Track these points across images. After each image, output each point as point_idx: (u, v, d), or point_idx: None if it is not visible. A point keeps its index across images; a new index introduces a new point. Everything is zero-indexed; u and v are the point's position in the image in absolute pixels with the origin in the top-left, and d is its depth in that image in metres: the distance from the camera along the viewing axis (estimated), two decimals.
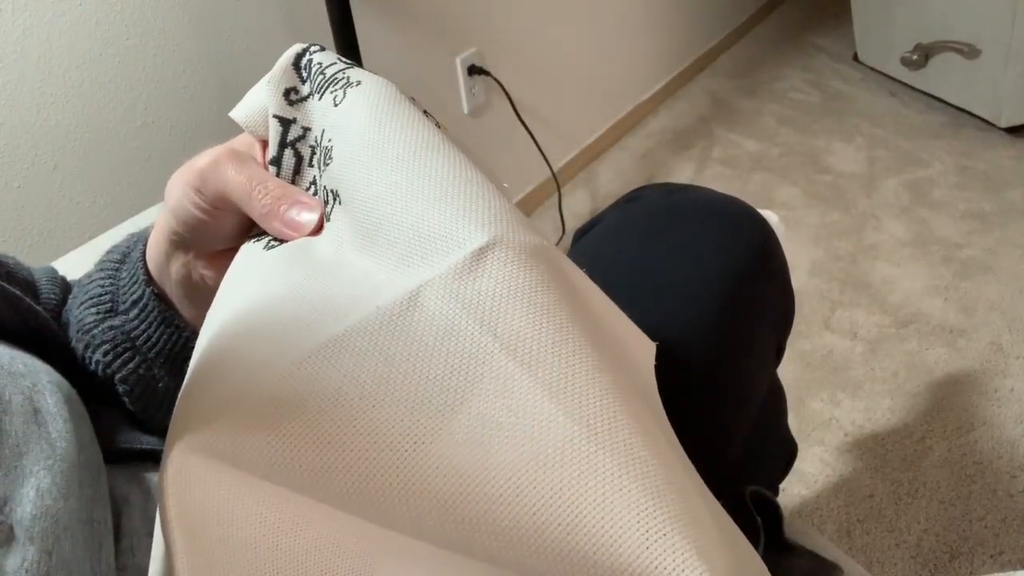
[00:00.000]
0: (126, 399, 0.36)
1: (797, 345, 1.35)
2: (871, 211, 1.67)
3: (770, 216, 0.67)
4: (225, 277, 0.32)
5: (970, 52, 1.77)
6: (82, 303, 0.36)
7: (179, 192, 0.33)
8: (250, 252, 0.32)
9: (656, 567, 0.19)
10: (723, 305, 0.50)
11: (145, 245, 0.36)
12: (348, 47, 1.03)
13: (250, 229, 0.35)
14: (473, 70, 1.47)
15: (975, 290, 1.45)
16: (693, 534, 0.20)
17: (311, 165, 0.33)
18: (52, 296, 0.39)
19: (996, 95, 1.80)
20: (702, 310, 0.50)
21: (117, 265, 0.37)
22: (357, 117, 0.30)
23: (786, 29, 2.50)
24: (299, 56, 0.33)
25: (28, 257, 0.40)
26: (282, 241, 0.32)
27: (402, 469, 0.23)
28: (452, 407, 0.23)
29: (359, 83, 0.31)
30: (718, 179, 1.82)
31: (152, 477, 0.33)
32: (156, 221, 0.36)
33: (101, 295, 0.36)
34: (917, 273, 1.50)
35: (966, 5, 1.75)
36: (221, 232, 0.34)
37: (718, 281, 0.50)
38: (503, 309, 0.24)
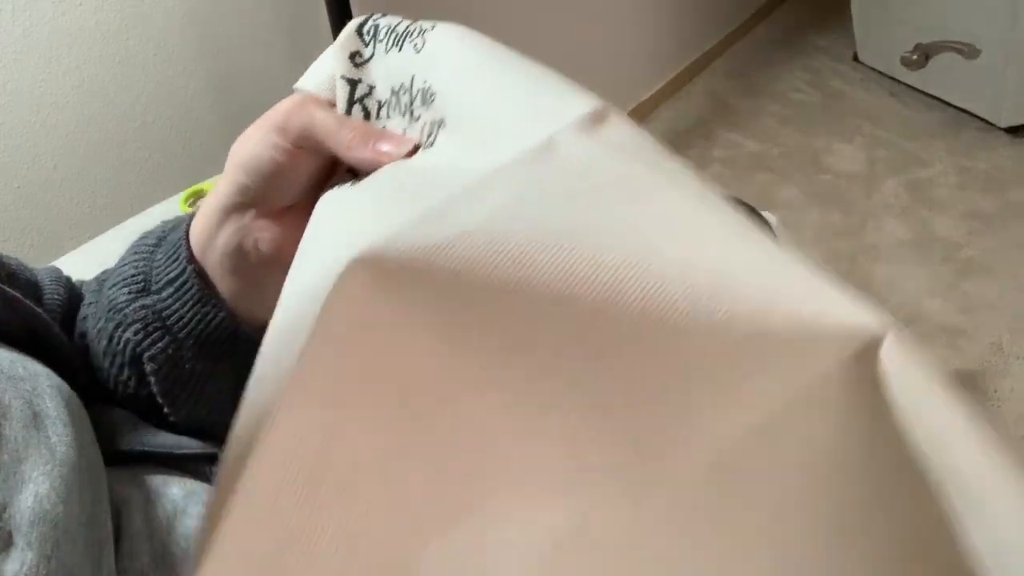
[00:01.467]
0: (152, 378, 0.36)
1: None
2: (871, 211, 1.67)
3: (770, 216, 0.67)
4: (307, 227, 0.32)
5: (970, 52, 1.77)
6: (114, 284, 0.37)
7: (255, 140, 0.34)
8: (331, 197, 0.33)
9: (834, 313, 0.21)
10: None
11: (188, 226, 0.37)
12: None
13: (322, 184, 0.36)
14: None
15: (975, 290, 1.45)
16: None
17: (378, 117, 0.36)
18: (56, 297, 0.39)
19: (996, 95, 1.80)
20: None
21: (152, 248, 0.37)
22: (445, 50, 0.33)
23: (786, 29, 2.50)
24: (361, 25, 0.36)
25: (29, 257, 0.40)
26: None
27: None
28: (600, 220, 0.24)
29: (433, 27, 0.34)
30: (718, 179, 1.82)
31: (153, 479, 0.33)
32: (207, 197, 0.36)
33: (134, 275, 0.36)
34: (917, 273, 1.50)
35: (966, 5, 1.75)
36: (296, 179, 0.35)
37: None
38: (637, 147, 0.26)
